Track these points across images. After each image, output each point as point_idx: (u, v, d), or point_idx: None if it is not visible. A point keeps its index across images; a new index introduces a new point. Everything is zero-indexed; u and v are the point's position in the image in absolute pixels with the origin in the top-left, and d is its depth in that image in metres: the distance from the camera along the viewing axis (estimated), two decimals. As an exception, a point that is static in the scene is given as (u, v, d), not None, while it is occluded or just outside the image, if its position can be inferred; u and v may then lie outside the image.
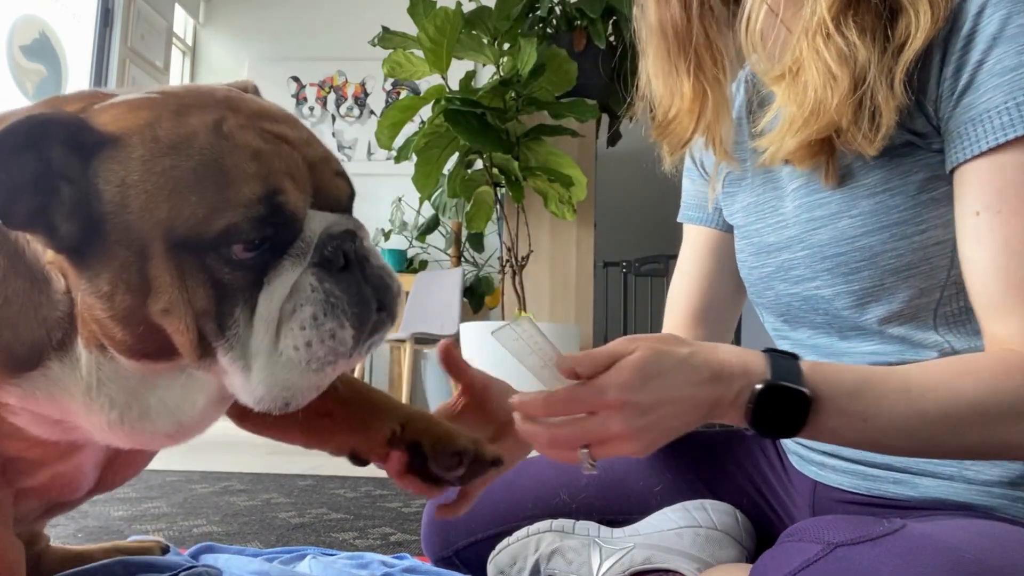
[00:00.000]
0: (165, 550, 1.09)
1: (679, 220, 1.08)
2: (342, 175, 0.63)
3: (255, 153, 0.56)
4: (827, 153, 0.76)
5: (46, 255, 0.58)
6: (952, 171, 0.70)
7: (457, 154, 3.07)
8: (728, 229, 1.00)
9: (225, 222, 0.54)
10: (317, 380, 0.58)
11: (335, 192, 0.62)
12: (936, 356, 0.76)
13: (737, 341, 3.27)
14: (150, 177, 0.54)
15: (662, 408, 0.63)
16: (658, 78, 0.89)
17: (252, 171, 0.55)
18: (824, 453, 0.85)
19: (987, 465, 0.73)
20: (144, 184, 0.54)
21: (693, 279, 1.03)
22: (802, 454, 0.89)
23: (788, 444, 0.93)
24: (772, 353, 0.67)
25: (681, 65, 0.86)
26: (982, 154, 0.67)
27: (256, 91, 0.69)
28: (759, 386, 0.64)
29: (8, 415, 0.63)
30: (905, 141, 0.73)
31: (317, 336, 0.57)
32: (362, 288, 0.59)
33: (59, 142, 0.54)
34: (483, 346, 2.85)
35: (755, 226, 0.90)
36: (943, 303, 0.75)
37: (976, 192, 0.68)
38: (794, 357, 0.67)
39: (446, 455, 0.69)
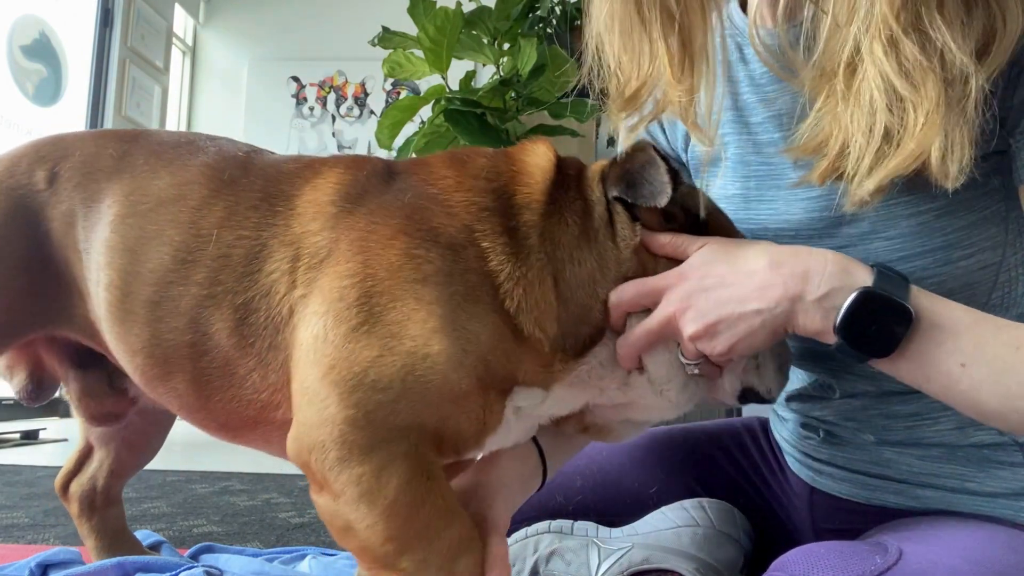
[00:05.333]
0: None
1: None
2: None
3: None
4: None
5: (625, 250, 0.67)
6: None
7: (457, 154, 3.07)
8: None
9: None
10: None
11: None
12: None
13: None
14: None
15: (722, 289, 0.61)
16: (618, 38, 0.73)
17: None
18: (820, 461, 0.83)
19: (989, 477, 0.71)
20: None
21: None
22: (797, 457, 0.88)
23: (783, 446, 0.93)
24: (880, 266, 0.60)
25: (655, 21, 0.70)
26: None
27: None
28: (857, 292, 0.57)
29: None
30: None
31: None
32: None
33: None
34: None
35: (746, 226, 0.78)
36: None
37: None
38: (904, 277, 0.60)
39: None
